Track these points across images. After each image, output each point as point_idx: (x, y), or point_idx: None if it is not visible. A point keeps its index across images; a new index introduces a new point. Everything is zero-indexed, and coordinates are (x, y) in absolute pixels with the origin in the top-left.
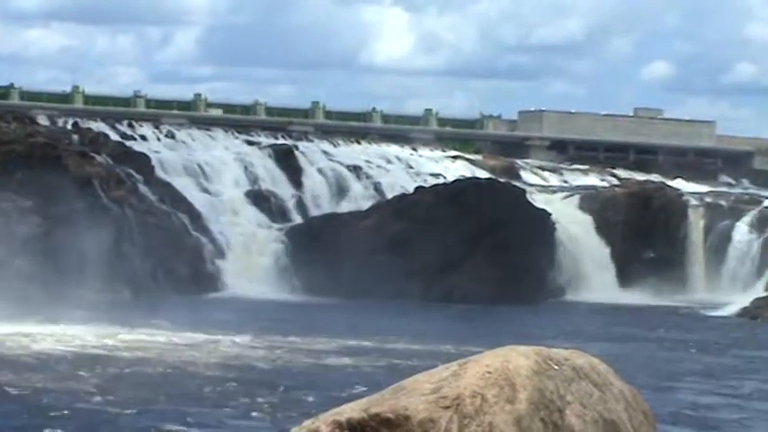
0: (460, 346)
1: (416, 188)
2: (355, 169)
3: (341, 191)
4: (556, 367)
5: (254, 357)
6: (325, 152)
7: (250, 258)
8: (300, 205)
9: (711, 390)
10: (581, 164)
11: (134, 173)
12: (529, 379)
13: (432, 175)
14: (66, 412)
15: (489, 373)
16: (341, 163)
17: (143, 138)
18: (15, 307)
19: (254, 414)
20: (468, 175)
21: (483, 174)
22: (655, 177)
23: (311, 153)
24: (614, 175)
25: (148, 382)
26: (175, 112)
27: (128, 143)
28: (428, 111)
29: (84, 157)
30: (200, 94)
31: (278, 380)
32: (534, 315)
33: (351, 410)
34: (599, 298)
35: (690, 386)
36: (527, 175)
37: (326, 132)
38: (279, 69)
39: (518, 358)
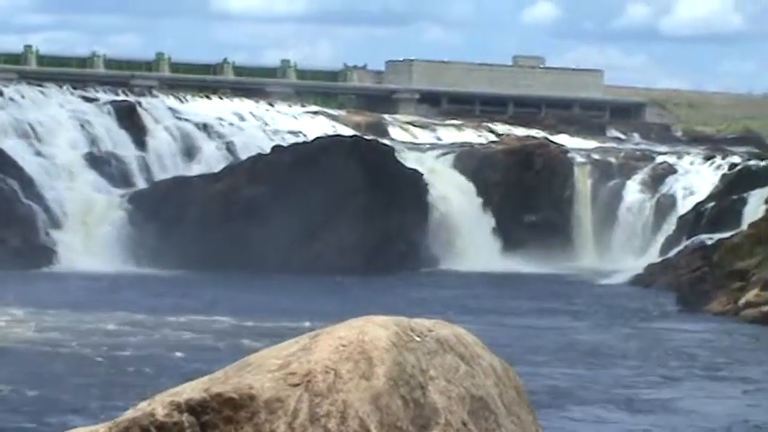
0: (321, 321)
1: (273, 148)
2: (205, 127)
3: (190, 151)
4: (418, 339)
5: (89, 338)
6: (171, 109)
7: (89, 228)
8: (145, 168)
9: (596, 365)
10: (455, 119)
11: None
12: (387, 352)
13: (290, 133)
14: None
15: (343, 346)
16: (189, 120)
17: None
18: None
19: (87, 398)
20: (331, 132)
21: (347, 131)
22: (536, 133)
23: (156, 110)
24: (492, 131)
25: None
26: (2, 66)
27: None
28: (285, 62)
29: None
30: (30, 46)
31: (115, 361)
32: (404, 286)
33: (191, 390)
34: (477, 266)
35: (571, 361)
36: (396, 132)
37: (173, 87)
38: (119, 17)
39: (375, 329)
